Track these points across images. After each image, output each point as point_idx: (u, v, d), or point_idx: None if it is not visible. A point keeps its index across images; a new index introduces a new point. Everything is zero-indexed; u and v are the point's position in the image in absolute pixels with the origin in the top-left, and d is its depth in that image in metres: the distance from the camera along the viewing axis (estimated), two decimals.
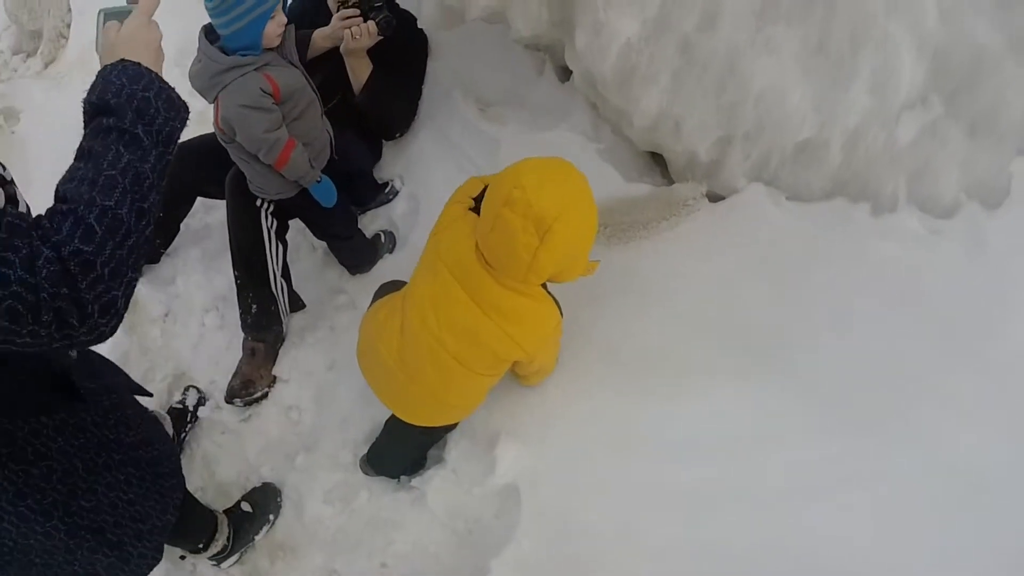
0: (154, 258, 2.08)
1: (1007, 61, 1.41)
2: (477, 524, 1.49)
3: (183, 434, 1.81)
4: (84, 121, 0.83)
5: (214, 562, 1.59)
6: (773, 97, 1.53)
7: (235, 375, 1.81)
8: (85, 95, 0.83)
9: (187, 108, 0.89)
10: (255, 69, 1.49)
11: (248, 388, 1.79)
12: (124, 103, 0.80)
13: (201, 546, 1.52)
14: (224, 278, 2.01)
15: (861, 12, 1.42)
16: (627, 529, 1.36)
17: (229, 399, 1.78)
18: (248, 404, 1.80)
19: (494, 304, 1.24)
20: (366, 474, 1.60)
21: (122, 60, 0.84)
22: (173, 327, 2.04)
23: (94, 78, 0.84)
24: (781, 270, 1.57)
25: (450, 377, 1.31)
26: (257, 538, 1.63)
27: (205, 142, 1.98)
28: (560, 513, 1.41)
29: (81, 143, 0.81)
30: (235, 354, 1.87)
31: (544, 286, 1.29)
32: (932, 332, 1.44)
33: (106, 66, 0.85)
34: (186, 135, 2.10)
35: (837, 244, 1.55)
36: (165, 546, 1.37)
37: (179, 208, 2.05)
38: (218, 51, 1.50)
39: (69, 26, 3.62)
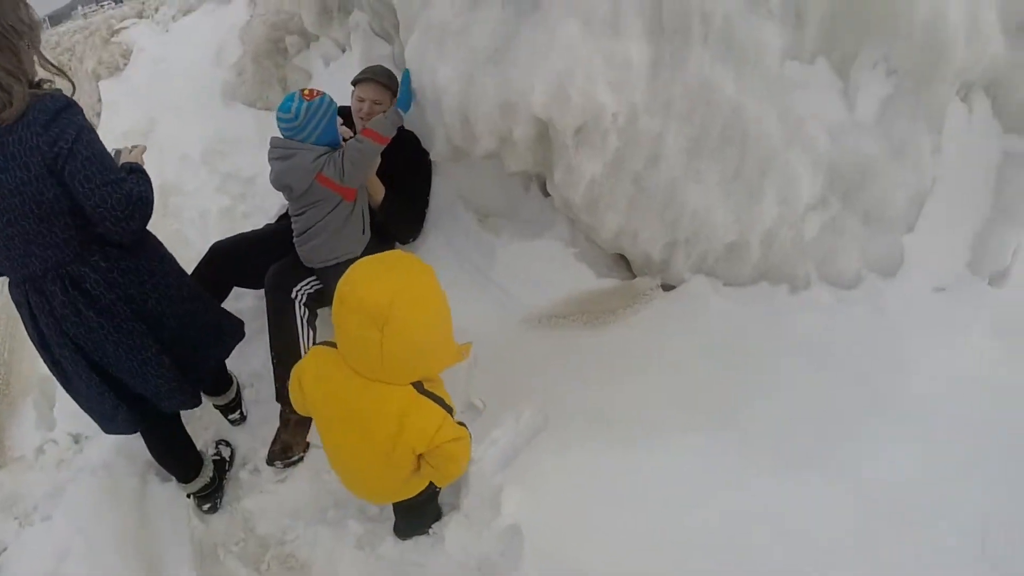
0: None
1: (889, 164, 1.64)
2: (486, 562, 1.58)
3: (225, 479, 2.03)
4: None
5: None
6: (704, 213, 1.81)
7: (274, 441, 1.99)
8: None
9: None
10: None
11: (287, 452, 1.96)
12: None
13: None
14: (258, 359, 2.23)
15: (765, 147, 1.69)
16: (617, 568, 1.46)
17: (270, 461, 1.95)
18: (287, 466, 1.97)
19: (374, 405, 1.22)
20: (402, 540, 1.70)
21: None
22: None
23: None
24: (722, 342, 1.83)
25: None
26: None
27: (240, 243, 2.28)
28: (557, 553, 1.51)
29: None
30: (270, 426, 2.07)
31: (422, 387, 1.25)
32: (847, 383, 1.63)
33: None
34: (221, 234, 2.44)
35: (765, 318, 1.82)
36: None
37: (217, 298, 2.23)
38: (312, 145, 1.92)
39: None
